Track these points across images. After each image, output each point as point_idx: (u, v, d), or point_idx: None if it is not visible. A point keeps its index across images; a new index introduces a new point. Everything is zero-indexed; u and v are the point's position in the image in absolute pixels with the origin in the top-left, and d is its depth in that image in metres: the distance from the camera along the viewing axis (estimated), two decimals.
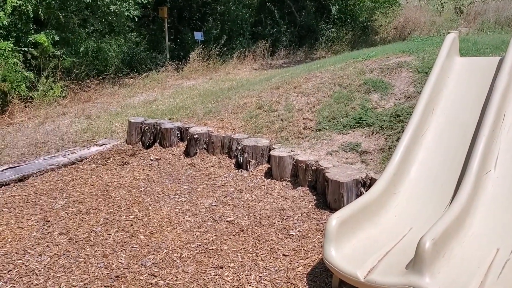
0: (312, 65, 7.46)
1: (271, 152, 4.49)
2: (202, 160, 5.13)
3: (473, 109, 4.10)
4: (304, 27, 15.22)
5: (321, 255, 3.22)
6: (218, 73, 11.70)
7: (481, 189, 3.35)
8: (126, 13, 10.23)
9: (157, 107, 7.58)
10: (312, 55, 14.33)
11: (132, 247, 3.45)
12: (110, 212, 4.06)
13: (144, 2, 10.73)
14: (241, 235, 3.60)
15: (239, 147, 4.83)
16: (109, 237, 3.61)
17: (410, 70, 5.05)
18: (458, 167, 3.70)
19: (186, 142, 5.44)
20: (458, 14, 17.92)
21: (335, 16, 16.37)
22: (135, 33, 12.54)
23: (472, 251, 2.93)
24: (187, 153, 5.34)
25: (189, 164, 5.11)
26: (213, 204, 4.16)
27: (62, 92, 8.77)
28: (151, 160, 5.34)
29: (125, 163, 5.30)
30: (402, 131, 4.31)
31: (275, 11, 14.43)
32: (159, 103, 8.05)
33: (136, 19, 10.73)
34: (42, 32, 8.75)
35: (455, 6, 18.39)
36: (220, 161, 5.04)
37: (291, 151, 4.45)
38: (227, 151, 5.11)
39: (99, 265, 3.22)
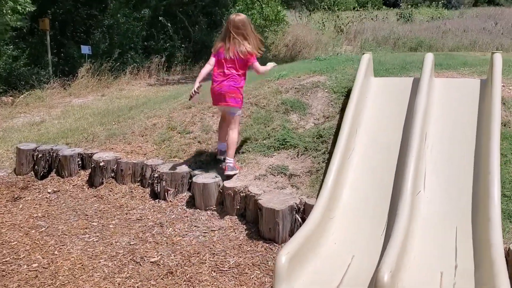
0: None
1: (194, 179, 4.11)
2: (111, 191, 4.57)
3: (392, 129, 4.16)
4: (199, 43, 14.97)
5: None
6: (111, 90, 10.92)
7: (415, 211, 3.36)
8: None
9: (47, 129, 6.73)
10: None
11: None
12: (6, 261, 3.37)
13: (24, 12, 9.61)
14: (170, 277, 3.20)
15: (155, 175, 4.38)
16: None
17: (326, 90, 5.05)
18: (386, 188, 3.69)
19: (89, 171, 4.82)
20: (339, 33, 19.09)
21: None
22: (11, 46, 11.20)
23: (418, 277, 2.88)
24: (92, 183, 4.73)
25: (95, 196, 4.52)
26: (131, 242, 3.68)
27: None
28: (49, 193, 4.64)
29: (16, 198, 4.53)
30: (327, 152, 4.24)
31: (169, 25, 13.97)
32: (48, 124, 7.18)
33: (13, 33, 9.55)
34: None
35: (335, 25, 19.59)
36: (132, 191, 4.53)
37: (216, 176, 4.13)
38: (139, 179, 4.61)
39: None
